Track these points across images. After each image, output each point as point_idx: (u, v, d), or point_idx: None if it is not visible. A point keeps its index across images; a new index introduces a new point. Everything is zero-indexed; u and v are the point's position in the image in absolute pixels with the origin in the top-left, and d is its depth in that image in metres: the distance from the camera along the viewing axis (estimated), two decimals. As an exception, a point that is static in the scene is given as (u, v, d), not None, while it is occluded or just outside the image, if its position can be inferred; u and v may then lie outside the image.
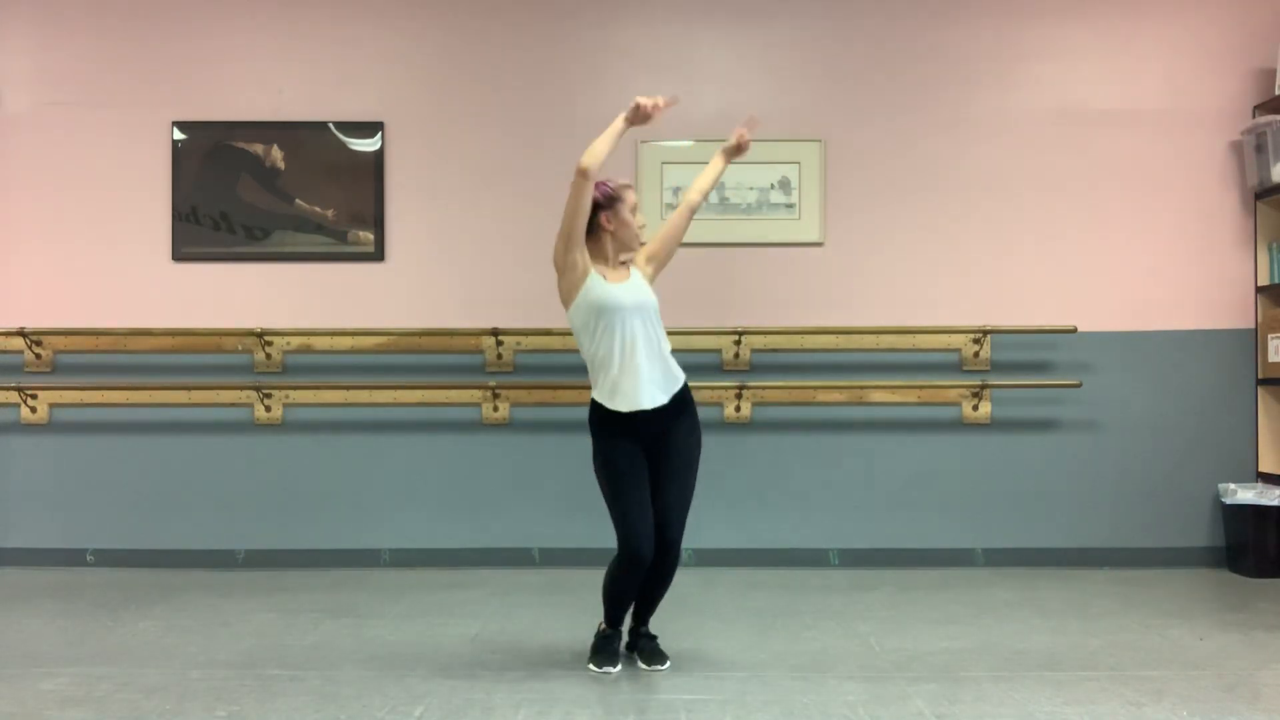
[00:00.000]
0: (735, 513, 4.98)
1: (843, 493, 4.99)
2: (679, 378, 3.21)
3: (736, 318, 5.00)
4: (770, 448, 4.99)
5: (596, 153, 3.00)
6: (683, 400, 3.20)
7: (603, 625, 3.31)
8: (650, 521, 3.10)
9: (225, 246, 5.05)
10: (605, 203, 3.14)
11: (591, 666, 3.20)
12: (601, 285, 3.11)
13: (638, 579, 3.14)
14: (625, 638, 3.34)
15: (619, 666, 3.22)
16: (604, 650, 3.24)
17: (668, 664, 3.25)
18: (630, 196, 3.19)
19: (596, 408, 3.17)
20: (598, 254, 3.18)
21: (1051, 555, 4.94)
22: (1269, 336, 4.90)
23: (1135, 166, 5.02)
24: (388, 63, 5.09)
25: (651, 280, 3.28)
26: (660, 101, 3.04)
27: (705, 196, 3.40)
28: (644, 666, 3.24)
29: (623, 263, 3.25)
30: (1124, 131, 5.02)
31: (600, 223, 3.14)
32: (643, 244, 3.26)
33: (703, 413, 4.94)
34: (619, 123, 3.05)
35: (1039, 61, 5.04)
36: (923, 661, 3.32)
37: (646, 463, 3.15)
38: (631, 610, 3.31)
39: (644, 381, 3.10)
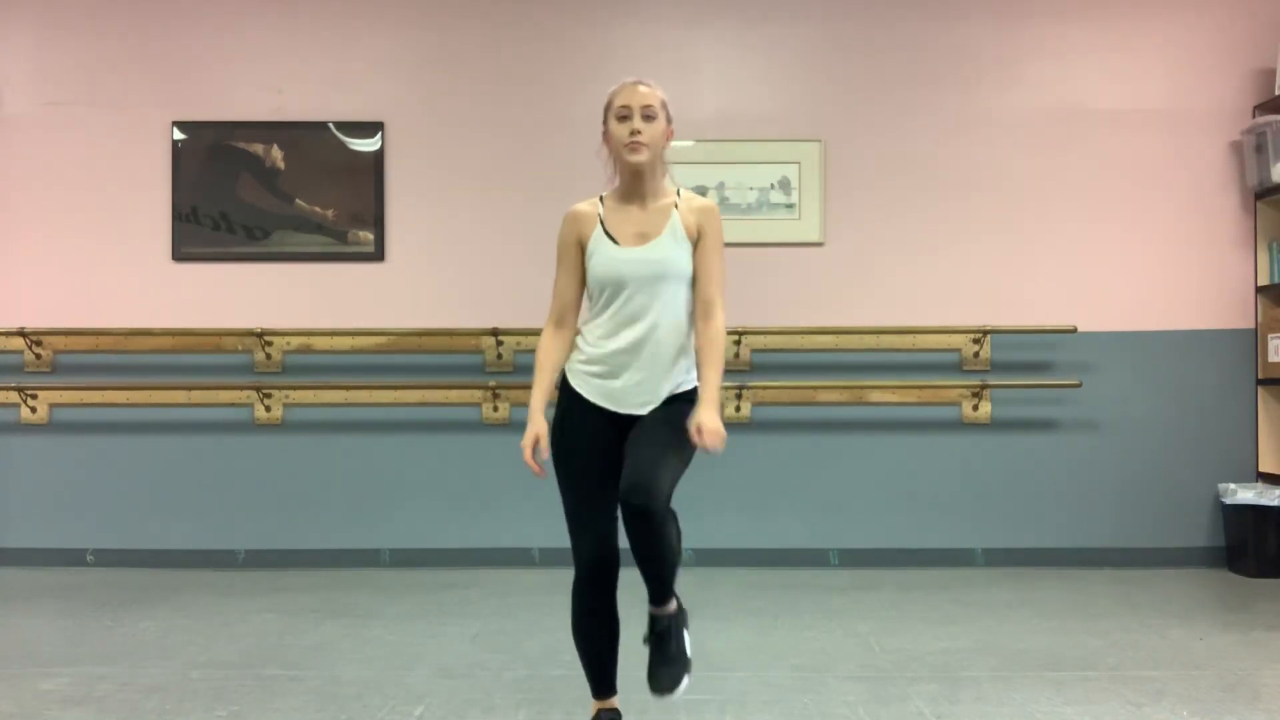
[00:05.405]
0: (735, 513, 4.97)
1: (843, 493, 4.98)
2: (688, 380, 2.48)
3: (736, 318, 4.96)
4: (770, 448, 4.98)
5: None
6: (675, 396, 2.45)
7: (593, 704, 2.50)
8: (607, 517, 2.42)
9: (225, 246, 5.05)
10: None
11: None
12: (605, 248, 2.42)
13: (598, 604, 2.42)
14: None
15: None
16: None
17: (680, 688, 2.36)
18: (618, 98, 2.46)
19: (564, 376, 2.50)
20: (618, 193, 2.51)
21: (1051, 555, 4.94)
22: (1269, 336, 4.89)
23: (1135, 166, 5.02)
24: (388, 63, 5.09)
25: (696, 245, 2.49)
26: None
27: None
28: (652, 693, 2.39)
29: (668, 205, 2.50)
30: (1124, 131, 5.02)
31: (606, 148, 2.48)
32: (637, 158, 2.44)
33: (703, 413, 5.04)
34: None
35: (1039, 61, 5.04)
36: (923, 661, 3.32)
37: (617, 434, 2.43)
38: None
39: (636, 379, 2.41)
